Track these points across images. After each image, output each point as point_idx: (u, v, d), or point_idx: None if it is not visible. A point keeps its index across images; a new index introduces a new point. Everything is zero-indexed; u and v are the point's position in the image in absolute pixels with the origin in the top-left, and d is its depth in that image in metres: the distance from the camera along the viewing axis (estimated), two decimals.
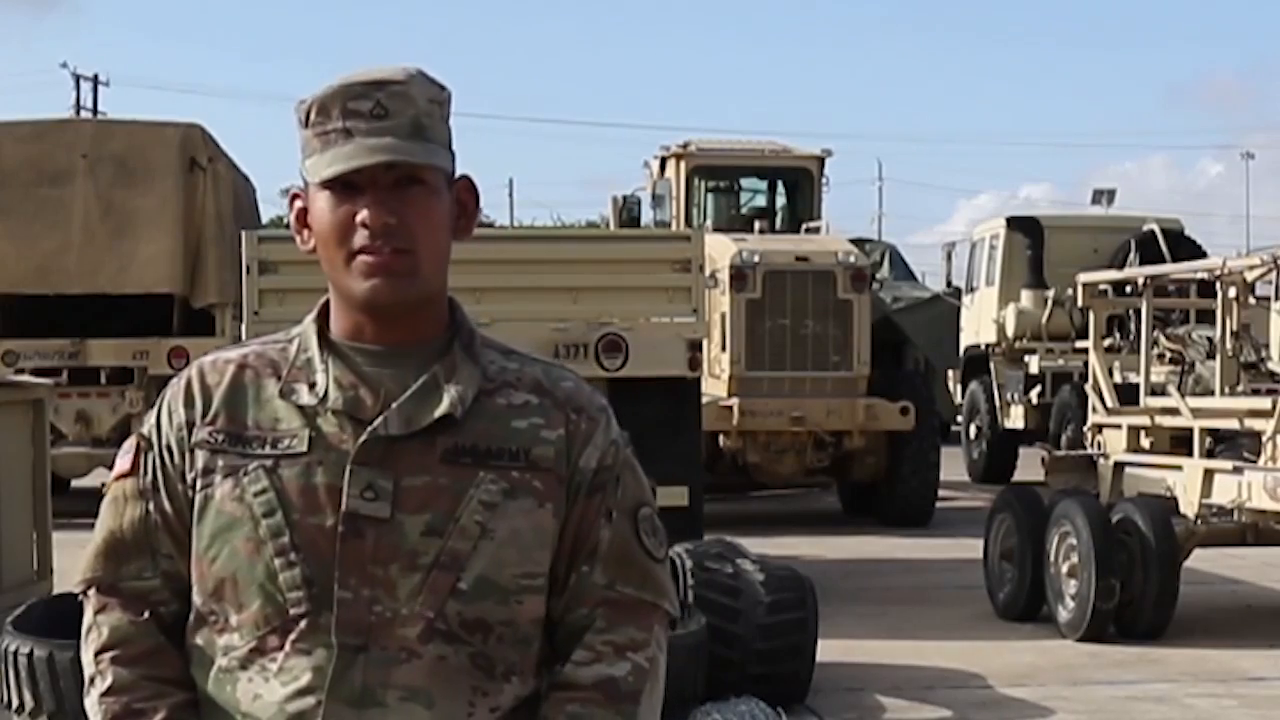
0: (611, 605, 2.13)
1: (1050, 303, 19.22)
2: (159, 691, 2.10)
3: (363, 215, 2.06)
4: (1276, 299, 10.79)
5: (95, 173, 15.36)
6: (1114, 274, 12.60)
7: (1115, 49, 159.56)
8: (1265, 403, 9.89)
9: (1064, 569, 9.78)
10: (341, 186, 2.07)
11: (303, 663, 2.04)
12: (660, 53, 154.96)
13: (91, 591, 2.15)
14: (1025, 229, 20.16)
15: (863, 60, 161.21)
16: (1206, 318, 13.51)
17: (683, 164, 16.64)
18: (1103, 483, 11.02)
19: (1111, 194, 23.07)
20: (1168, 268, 12.83)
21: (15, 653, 6.06)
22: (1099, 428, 11.46)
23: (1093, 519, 9.58)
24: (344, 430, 2.08)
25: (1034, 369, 19.57)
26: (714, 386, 14.49)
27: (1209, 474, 9.85)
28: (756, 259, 14.84)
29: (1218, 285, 10.87)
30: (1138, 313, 12.85)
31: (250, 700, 2.06)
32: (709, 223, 16.47)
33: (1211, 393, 11.19)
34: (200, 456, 2.11)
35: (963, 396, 21.46)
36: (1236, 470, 9.64)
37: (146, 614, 2.12)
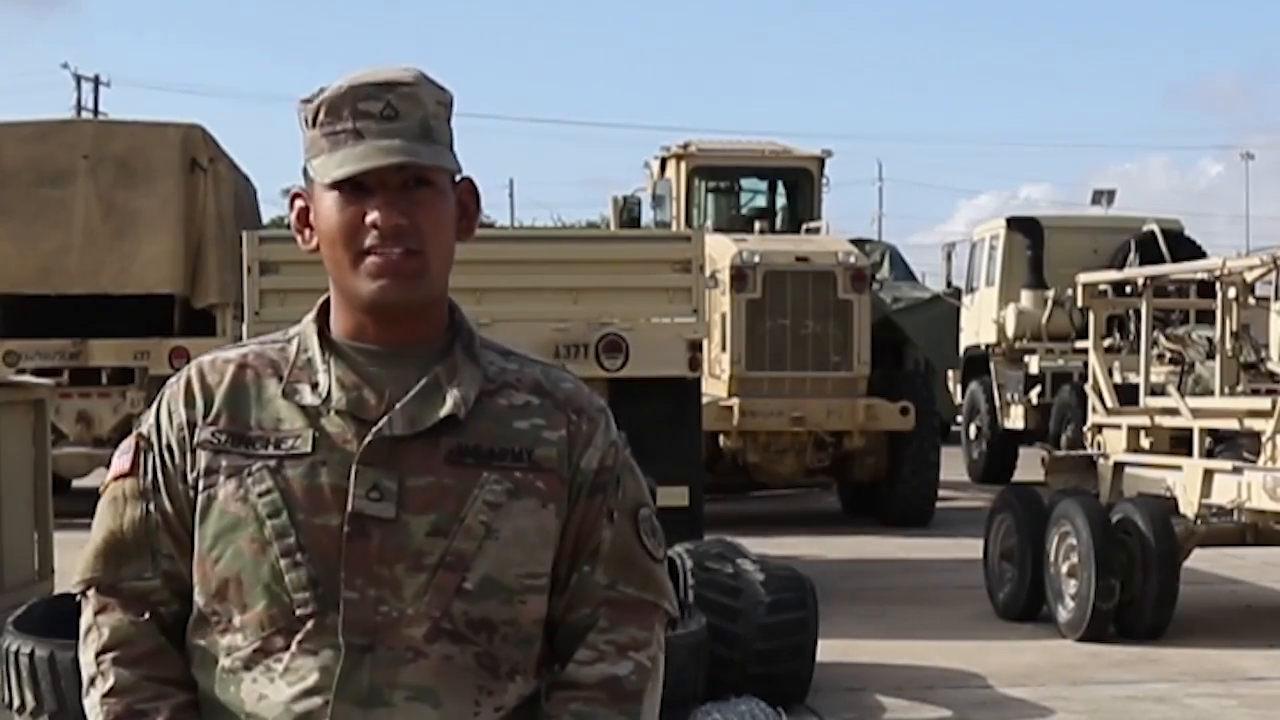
0: (613, 605, 2.14)
1: (1050, 303, 19.23)
2: (161, 692, 2.09)
3: (373, 216, 2.06)
4: (1276, 299, 10.80)
5: (96, 173, 15.37)
6: (1114, 274, 12.60)
7: (1115, 49, 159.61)
8: (1265, 403, 9.89)
9: (1064, 569, 9.79)
10: (350, 187, 2.07)
11: (309, 663, 2.04)
12: (660, 53, 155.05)
13: (91, 592, 2.14)
14: (1025, 229, 20.17)
15: (863, 60, 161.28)
16: (1206, 318, 13.52)
17: (683, 164, 16.64)
18: (1102, 483, 11.02)
19: (1111, 194, 23.09)
20: (1167, 268, 12.84)
21: (16, 652, 6.06)
22: (1099, 428, 11.46)
23: (1093, 519, 9.59)
24: (348, 430, 2.08)
25: (1034, 369, 19.57)
26: (714, 387, 14.50)
27: (1209, 474, 9.86)
28: (757, 259, 14.85)
29: (1217, 285, 10.87)
30: (1138, 313, 12.86)
31: (255, 700, 2.06)
32: (709, 223, 16.47)
33: (1211, 393, 11.20)
34: (202, 457, 2.11)
35: (963, 397, 21.47)
36: (1236, 470, 9.65)
37: (147, 614, 2.11)
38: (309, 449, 2.08)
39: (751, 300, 14.79)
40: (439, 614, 2.05)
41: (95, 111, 48.00)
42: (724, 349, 14.80)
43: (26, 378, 10.34)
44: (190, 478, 2.12)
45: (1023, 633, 9.93)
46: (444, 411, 2.09)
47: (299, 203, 2.17)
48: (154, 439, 2.15)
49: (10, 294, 15.32)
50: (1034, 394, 19.53)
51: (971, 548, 11.33)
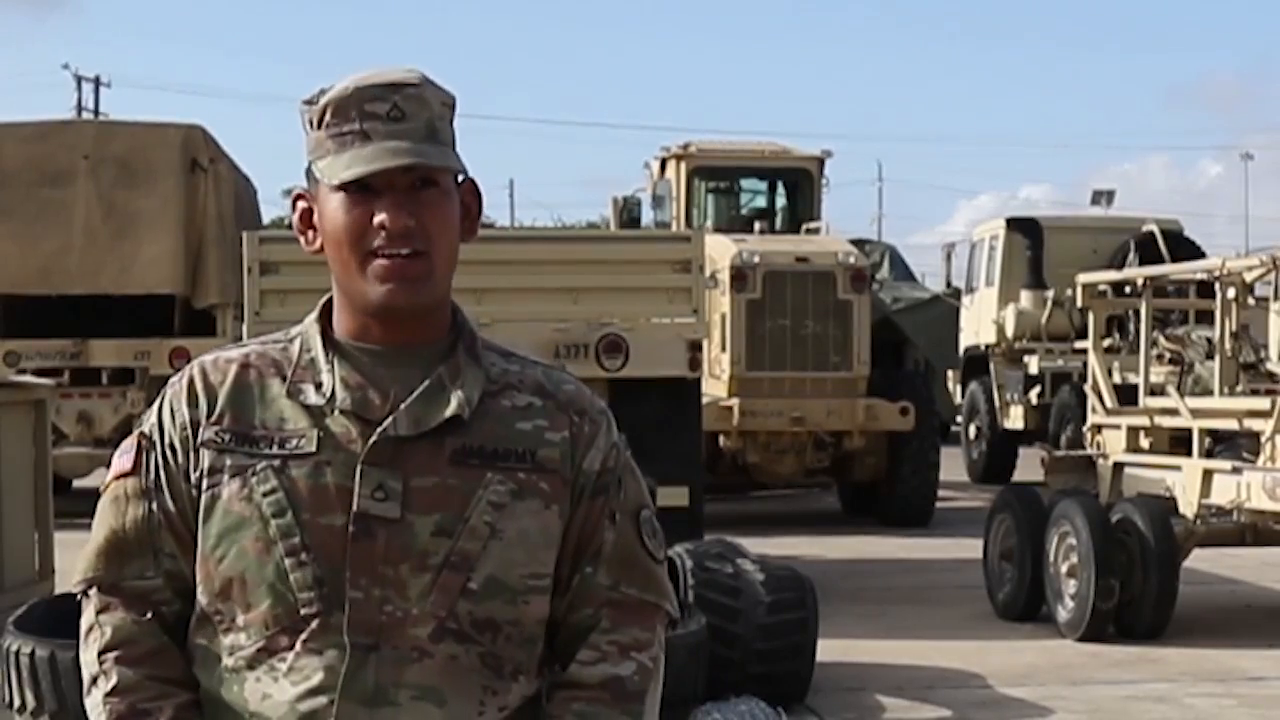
0: (616, 606, 2.15)
1: (1050, 303, 19.24)
2: (163, 692, 2.09)
3: (382, 218, 2.06)
4: (1275, 299, 10.81)
5: (97, 174, 15.38)
6: (1113, 274, 12.61)
7: (1115, 50, 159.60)
8: (1264, 403, 9.90)
9: (1063, 569, 9.80)
10: (358, 188, 2.07)
11: (314, 662, 2.04)
12: (660, 53, 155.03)
13: (93, 591, 2.13)
14: (1025, 230, 20.17)
15: (863, 60, 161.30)
16: (1206, 318, 13.52)
17: (683, 165, 16.65)
18: (1102, 483, 11.03)
19: (1111, 195, 23.10)
20: (1167, 268, 12.84)
21: (17, 652, 6.06)
22: (1098, 428, 11.47)
23: (1092, 519, 9.60)
24: (352, 430, 2.08)
25: (1033, 369, 19.58)
26: (714, 387, 14.50)
27: (1208, 474, 9.86)
28: (756, 259, 14.86)
29: (1217, 286, 10.88)
30: (1137, 313, 12.86)
31: (259, 700, 2.06)
32: (709, 223, 16.48)
33: (1210, 393, 11.20)
34: (206, 456, 2.11)
35: (962, 397, 21.47)
36: (1235, 470, 9.65)
37: (149, 614, 2.11)
38: (314, 449, 2.08)
39: (751, 300, 14.79)
40: (444, 614, 2.06)
41: (96, 112, 48.00)
42: (724, 349, 14.81)
43: (27, 378, 10.35)
44: (193, 477, 2.11)
45: (1022, 633, 9.94)
46: (448, 412, 2.09)
47: (302, 204, 2.16)
48: (156, 438, 2.15)
49: (11, 294, 15.32)
50: (1034, 394, 19.53)
51: (971, 548, 11.34)
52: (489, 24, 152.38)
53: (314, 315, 2.18)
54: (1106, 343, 14.39)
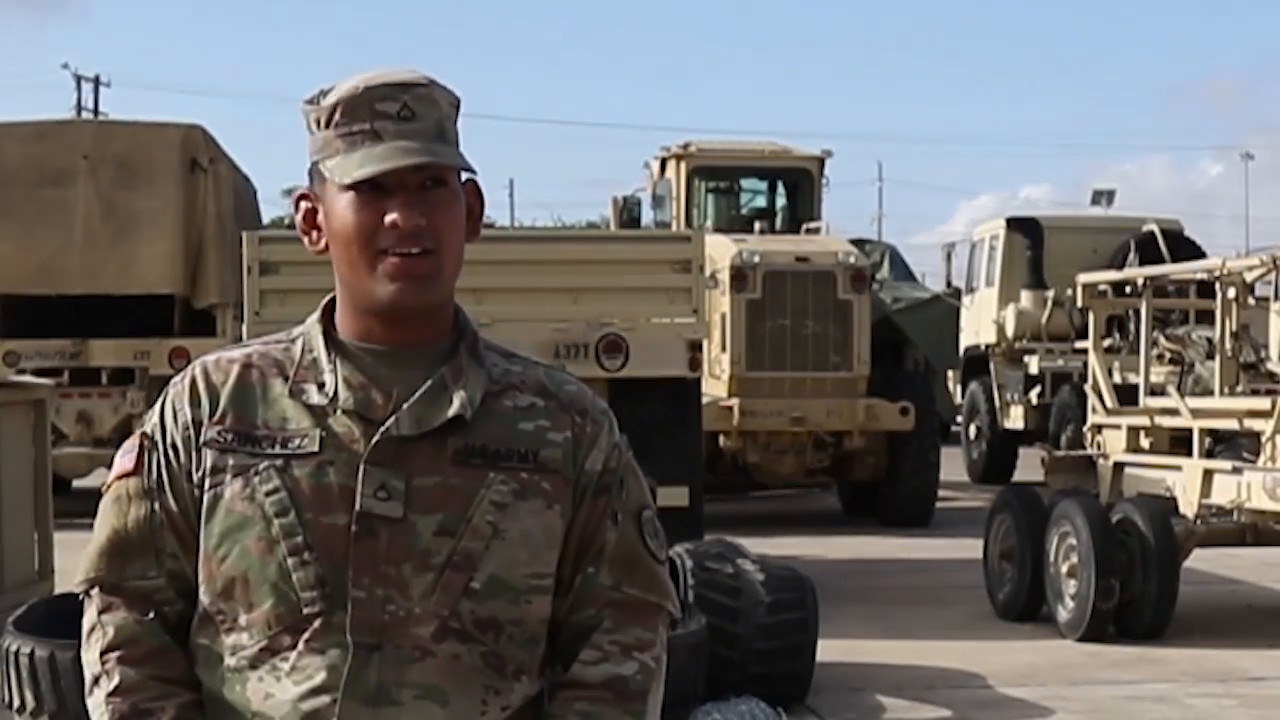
0: (618, 606, 2.15)
1: (1050, 303, 19.25)
2: (166, 691, 2.09)
3: (393, 217, 2.05)
4: (1276, 299, 10.81)
5: (97, 173, 15.38)
6: (1114, 274, 12.61)
7: (1115, 50, 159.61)
8: (1264, 403, 9.90)
9: (1064, 569, 9.79)
10: (368, 187, 2.07)
11: (316, 661, 2.04)
12: (660, 53, 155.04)
13: (95, 591, 2.13)
14: (1025, 229, 20.17)
15: (863, 60, 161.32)
16: (1206, 318, 13.52)
17: (683, 165, 16.64)
18: (1102, 483, 11.03)
19: (1111, 194, 23.10)
20: (1167, 268, 12.84)
21: (17, 652, 6.07)
22: (1098, 428, 11.47)
23: (1092, 519, 9.60)
24: (355, 430, 2.08)
25: (1034, 369, 19.58)
26: (714, 387, 14.50)
27: (1208, 474, 9.86)
28: (756, 259, 14.85)
29: (1217, 286, 10.88)
30: (1137, 313, 12.86)
31: (262, 699, 2.06)
32: (709, 223, 16.48)
33: (1211, 393, 11.20)
34: (208, 456, 2.11)
35: (963, 397, 21.47)
36: (1236, 470, 9.65)
37: (151, 614, 2.11)
38: (316, 448, 2.08)
39: (751, 300, 14.79)
40: (446, 613, 2.06)
41: (95, 112, 48.01)
42: (724, 349, 14.80)
43: (27, 378, 10.36)
44: (196, 477, 2.12)
45: (1023, 633, 9.94)
46: (451, 412, 2.09)
47: (305, 204, 2.16)
48: (158, 438, 2.15)
49: (10, 294, 15.31)
50: (1034, 394, 19.54)
51: (971, 548, 11.33)
52: (489, 24, 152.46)
53: (316, 315, 2.18)
54: (1107, 343, 14.39)
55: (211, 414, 2.13)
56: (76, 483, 15.72)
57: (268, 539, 2.06)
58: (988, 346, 20.56)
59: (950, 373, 21.75)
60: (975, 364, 21.00)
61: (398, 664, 2.04)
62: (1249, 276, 10.77)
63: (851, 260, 15.04)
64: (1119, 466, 10.95)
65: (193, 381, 2.16)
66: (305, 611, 2.05)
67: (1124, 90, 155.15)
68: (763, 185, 17.80)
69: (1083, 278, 12.01)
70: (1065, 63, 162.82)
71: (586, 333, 10.13)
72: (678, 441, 10.04)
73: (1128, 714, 7.89)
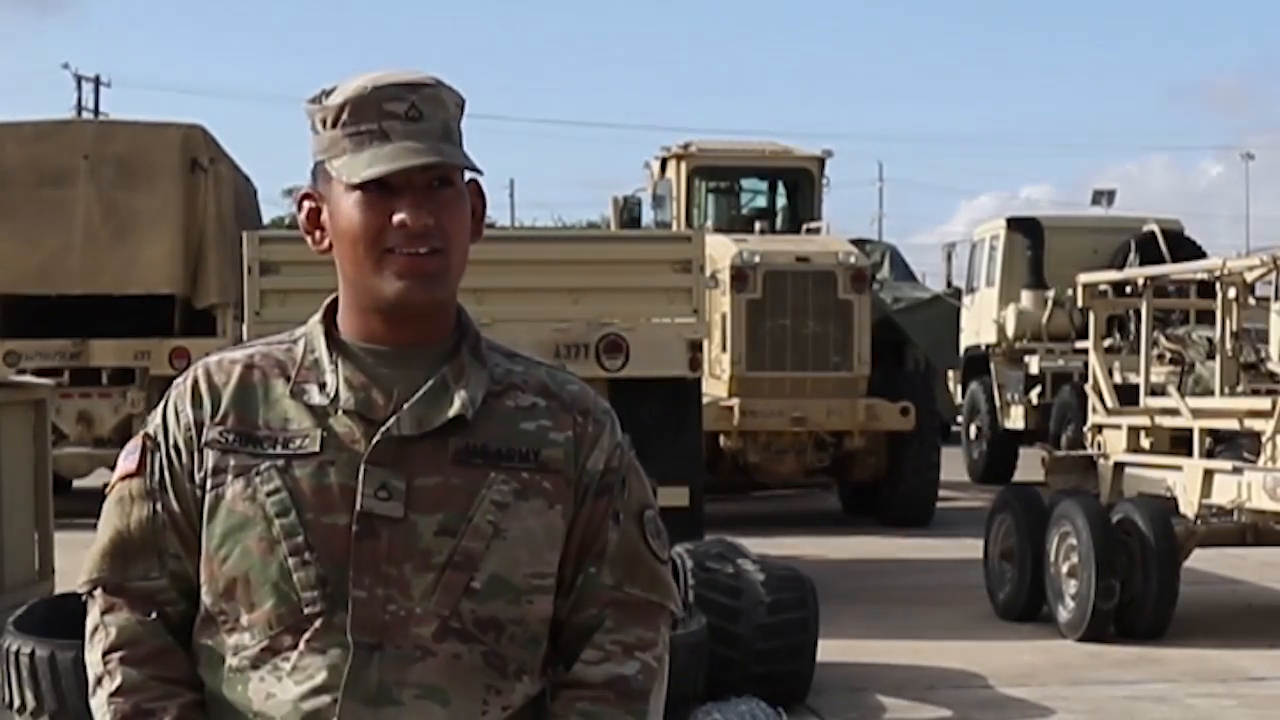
0: (620, 606, 2.15)
1: (1050, 303, 19.25)
2: (168, 692, 2.10)
3: (402, 217, 2.06)
4: (1276, 299, 10.81)
5: (97, 173, 15.37)
6: (1114, 274, 12.61)
7: (1116, 49, 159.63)
8: (1265, 403, 9.90)
9: (1064, 569, 9.80)
10: (376, 187, 2.07)
11: (317, 661, 2.05)
12: (660, 53, 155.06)
13: (98, 592, 2.14)
14: (1025, 229, 20.18)
15: (863, 60, 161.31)
16: (1206, 318, 13.52)
17: (683, 165, 16.64)
18: (1103, 483, 11.03)
19: (1111, 194, 23.09)
20: (1168, 268, 12.84)
21: (17, 652, 6.07)
22: (1099, 428, 11.47)
23: (1093, 519, 9.60)
24: (356, 430, 2.09)
25: (1034, 369, 19.58)
26: (714, 387, 14.50)
27: (1209, 474, 9.86)
28: (757, 259, 14.85)
29: (1217, 286, 10.88)
30: (1138, 313, 12.87)
31: (263, 699, 2.07)
32: (709, 223, 16.48)
33: (1211, 393, 11.20)
34: (210, 456, 2.11)
35: (963, 397, 21.48)
36: (1236, 470, 9.65)
37: (154, 614, 2.12)
38: (317, 448, 2.08)
39: (752, 300, 14.79)
40: (447, 613, 2.06)
41: (96, 112, 48.01)
42: (724, 349, 14.81)
43: (27, 378, 10.35)
44: (198, 477, 2.12)
45: (1023, 633, 9.94)
46: (452, 412, 2.10)
47: (309, 203, 2.17)
48: (161, 439, 2.15)
49: (11, 294, 15.31)
50: (1034, 394, 19.54)
51: (972, 548, 11.34)
52: (489, 24, 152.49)
53: (318, 316, 2.18)
54: (1107, 343, 14.39)
55: (213, 414, 2.13)
56: (77, 483, 15.72)
57: (269, 539, 2.06)
58: (988, 346, 20.57)
59: (951, 373, 21.76)
60: (975, 364, 21.00)
61: (398, 664, 2.04)
62: (1249, 277, 10.77)
63: (852, 260, 15.04)
64: (1119, 466, 10.95)
65: (195, 382, 2.16)
66: (306, 611, 2.05)
67: (1124, 90, 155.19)
68: (763, 185, 17.80)
69: (1083, 278, 12.01)
70: (1065, 63, 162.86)
71: (587, 333, 10.13)
72: (678, 441, 10.04)
73: (1128, 714, 7.89)
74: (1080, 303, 12.02)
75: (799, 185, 17.19)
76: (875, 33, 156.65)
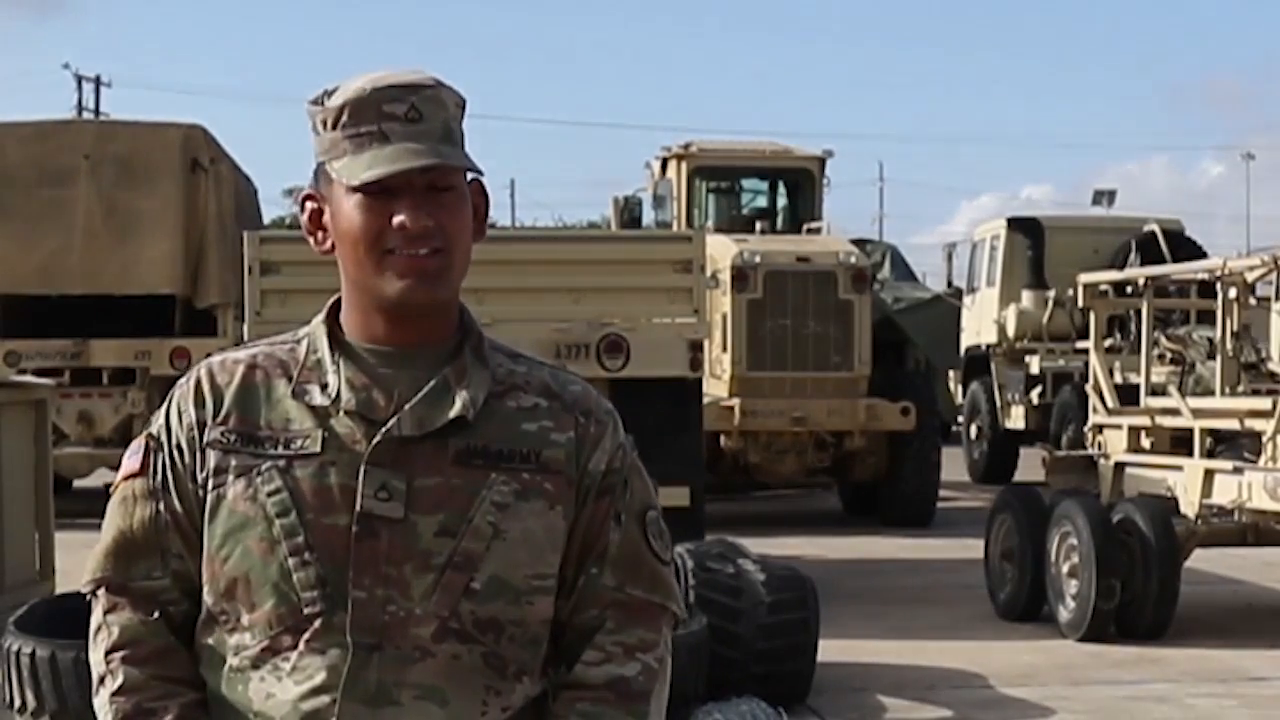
0: (621, 607, 2.15)
1: (1051, 303, 19.25)
2: (169, 691, 2.10)
3: (401, 219, 2.06)
4: (1277, 299, 10.80)
5: (97, 174, 15.37)
6: (1115, 274, 12.61)
7: (1116, 50, 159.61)
8: (1265, 403, 9.90)
9: (1065, 569, 9.79)
10: (376, 189, 2.07)
11: (317, 661, 2.05)
12: (660, 53, 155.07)
13: (101, 591, 2.15)
14: (1026, 229, 20.18)
15: (863, 60, 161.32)
16: (1207, 318, 13.52)
17: (684, 165, 16.64)
18: (1103, 483, 11.02)
19: (1112, 195, 23.08)
20: (1168, 268, 12.84)
21: (18, 652, 6.07)
22: (1099, 428, 11.46)
23: (1093, 519, 9.60)
24: (357, 431, 2.09)
25: (1035, 369, 19.58)
26: (715, 387, 14.50)
27: (1209, 474, 9.86)
28: (757, 259, 14.85)
29: (1218, 286, 10.87)
30: (1138, 313, 12.87)
31: (263, 699, 2.07)
32: (710, 223, 16.48)
33: (1212, 393, 11.20)
34: (212, 456, 2.12)
35: (963, 397, 21.48)
36: (1237, 470, 9.65)
37: (156, 614, 2.12)
38: (318, 449, 2.08)
39: (752, 300, 14.79)
40: (446, 614, 2.06)
41: (96, 112, 48.01)
42: (725, 349, 14.80)
43: (28, 378, 10.35)
44: (200, 477, 2.12)
45: (1023, 633, 9.94)
46: (453, 413, 2.10)
47: (311, 204, 2.17)
48: (164, 439, 2.16)
49: (11, 294, 15.32)
50: (1035, 394, 19.54)
51: (972, 548, 11.34)
52: (490, 24, 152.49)
53: (321, 316, 2.18)
54: (1108, 343, 14.39)
55: (215, 415, 2.13)
56: (77, 483, 15.71)
57: (269, 539, 2.07)
58: (989, 346, 20.56)
59: (951, 373, 21.75)
60: (976, 364, 21.00)
61: (398, 664, 2.05)
62: (1250, 277, 10.76)
63: (852, 260, 15.04)
64: (1120, 466, 10.95)
65: (198, 383, 2.17)
66: (306, 612, 2.05)
67: (1125, 90, 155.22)
68: (764, 185, 17.80)
69: (1084, 278, 12.01)
70: (1066, 63, 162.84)
71: (587, 333, 10.13)
72: (679, 441, 10.03)
73: (1129, 714, 7.89)
74: (1081, 303, 12.02)
75: (799, 185, 17.19)
76: (875, 33, 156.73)
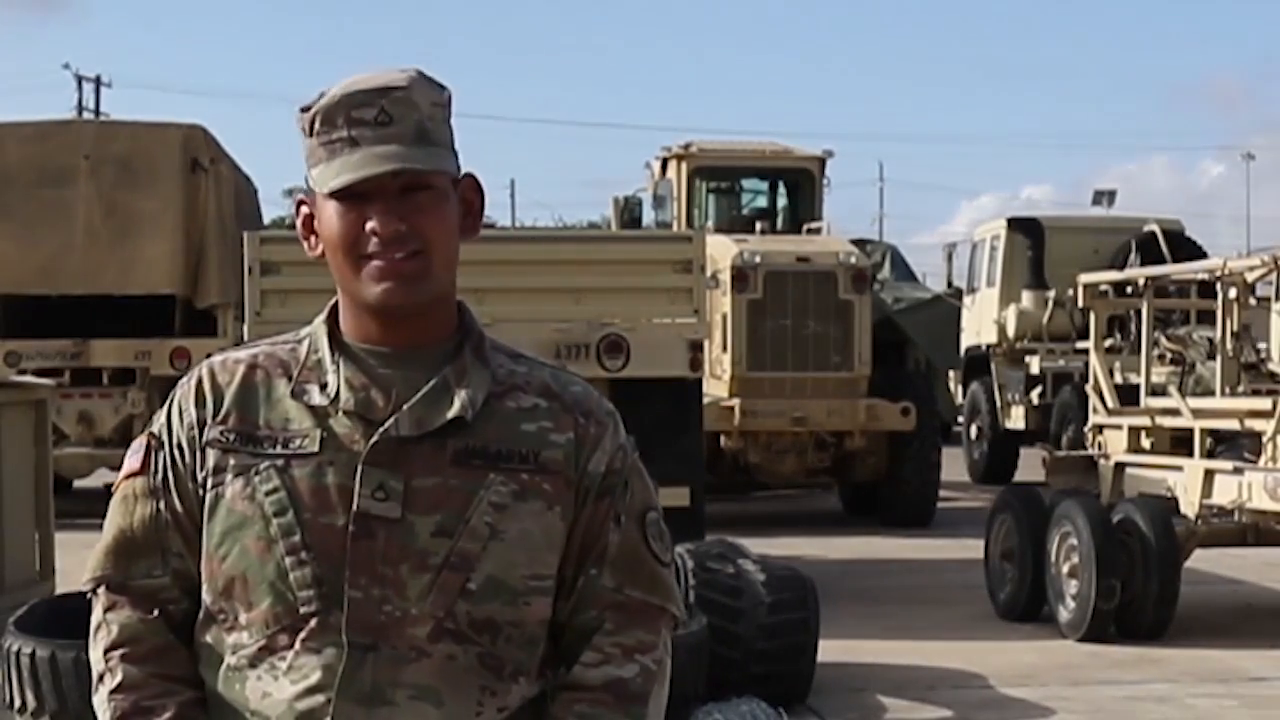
0: (620, 608, 2.15)
1: (1051, 303, 19.25)
2: (167, 689, 2.11)
3: (372, 224, 2.07)
4: (1277, 300, 10.80)
5: (98, 174, 15.37)
6: (1115, 275, 12.61)
7: (1117, 49, 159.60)
8: (1265, 403, 9.90)
9: (1065, 569, 9.79)
10: (350, 195, 2.08)
11: (312, 661, 2.05)
12: (660, 53, 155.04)
13: (101, 590, 2.16)
14: (1026, 230, 20.17)
15: (863, 60, 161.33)
16: (1207, 318, 13.51)
17: (684, 165, 16.64)
18: (1103, 483, 11.02)
19: (1112, 195, 23.09)
20: (1168, 268, 12.84)
21: (18, 653, 6.07)
22: (1100, 428, 11.46)
23: (1093, 519, 9.60)
24: (355, 431, 2.09)
25: (1035, 369, 19.58)
26: (715, 387, 14.49)
27: (1209, 474, 9.86)
28: (758, 259, 14.85)
29: (1218, 286, 10.87)
30: (1138, 313, 12.86)
31: (259, 698, 2.07)
32: (710, 223, 16.47)
33: (1212, 393, 11.20)
34: (211, 455, 2.12)
35: (964, 397, 21.48)
36: (1237, 471, 9.65)
37: (156, 612, 2.13)
38: (316, 449, 2.09)
39: (752, 300, 14.79)
40: (442, 614, 2.06)
41: (96, 112, 47.99)
42: (725, 349, 14.80)
43: (28, 378, 10.35)
44: (200, 476, 2.13)
45: (1023, 633, 9.93)
46: (451, 413, 2.10)
47: (304, 209, 2.18)
48: (165, 438, 2.17)
49: (11, 294, 15.32)
50: (1035, 394, 19.54)
51: (972, 548, 11.33)
52: (490, 23, 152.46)
53: (323, 316, 2.19)
54: (1108, 343, 14.38)
55: (215, 414, 2.14)
56: (77, 483, 15.71)
57: (266, 538, 2.07)
58: (989, 347, 20.56)
59: (951, 373, 21.75)
60: (976, 364, 21.00)
61: (393, 664, 2.05)
62: (1250, 277, 10.76)
63: (852, 260, 15.04)
64: (1120, 467, 10.95)
65: (199, 382, 2.18)
66: (302, 611, 2.06)
67: (1125, 90, 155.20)
68: (764, 185, 17.79)
69: (1084, 278, 12.01)
70: (1066, 63, 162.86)
71: (587, 333, 10.13)
72: (679, 442, 10.03)
73: (1129, 714, 7.89)
74: (1081, 303, 12.01)
75: (799, 185, 17.18)
76: (876, 33, 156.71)
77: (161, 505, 2.15)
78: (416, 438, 2.08)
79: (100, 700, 2.13)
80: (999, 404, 20.19)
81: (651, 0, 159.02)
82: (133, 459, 2.19)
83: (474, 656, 2.08)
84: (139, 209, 15.32)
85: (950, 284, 22.50)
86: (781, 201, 17.53)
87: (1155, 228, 19.39)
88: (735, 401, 14.61)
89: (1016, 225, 20.45)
